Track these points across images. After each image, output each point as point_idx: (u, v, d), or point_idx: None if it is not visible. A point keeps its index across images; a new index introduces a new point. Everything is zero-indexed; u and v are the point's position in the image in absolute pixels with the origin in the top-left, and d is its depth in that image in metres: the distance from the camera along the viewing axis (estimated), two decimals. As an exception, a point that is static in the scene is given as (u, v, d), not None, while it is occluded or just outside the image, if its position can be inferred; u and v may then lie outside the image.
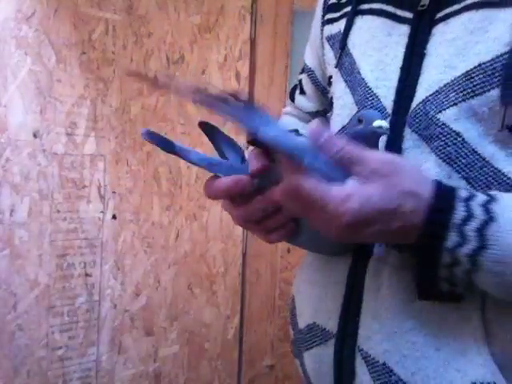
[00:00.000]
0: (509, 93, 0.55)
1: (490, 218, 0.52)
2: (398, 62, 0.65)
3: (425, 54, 0.63)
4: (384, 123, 0.57)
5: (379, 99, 0.65)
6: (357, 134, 0.59)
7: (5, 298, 1.45)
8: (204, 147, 1.79)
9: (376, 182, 0.51)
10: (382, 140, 0.63)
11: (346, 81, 0.72)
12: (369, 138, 0.58)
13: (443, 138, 0.59)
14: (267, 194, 0.58)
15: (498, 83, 0.56)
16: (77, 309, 1.58)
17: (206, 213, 1.82)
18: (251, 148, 0.66)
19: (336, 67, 0.74)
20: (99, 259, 1.61)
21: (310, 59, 0.88)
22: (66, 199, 1.54)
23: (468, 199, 0.53)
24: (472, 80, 0.58)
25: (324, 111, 0.86)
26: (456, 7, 0.61)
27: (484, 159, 0.57)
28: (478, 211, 0.52)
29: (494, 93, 0.57)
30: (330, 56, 0.78)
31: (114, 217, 1.63)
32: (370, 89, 0.67)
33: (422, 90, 0.62)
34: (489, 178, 0.57)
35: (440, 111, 0.60)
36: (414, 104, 0.62)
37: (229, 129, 0.65)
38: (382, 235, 0.53)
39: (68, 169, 1.54)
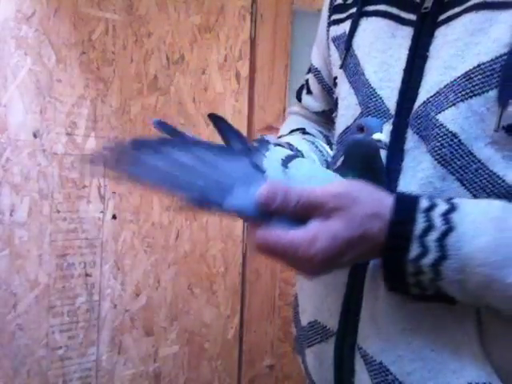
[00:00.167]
0: (506, 93, 0.55)
1: (449, 228, 0.52)
2: (402, 63, 0.65)
3: (427, 56, 0.63)
4: (383, 137, 0.58)
5: (383, 100, 0.66)
6: (357, 142, 0.60)
7: (5, 297, 1.45)
8: (204, 147, 1.79)
9: (337, 217, 0.52)
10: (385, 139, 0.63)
11: (350, 82, 0.73)
12: (369, 148, 0.59)
13: (439, 139, 0.59)
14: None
15: (496, 84, 0.57)
16: (77, 309, 1.58)
17: (206, 213, 1.82)
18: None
19: (341, 68, 0.75)
20: (99, 259, 1.61)
21: (316, 59, 0.88)
22: (66, 199, 1.54)
23: (428, 210, 0.54)
24: (471, 80, 0.58)
25: (330, 111, 0.86)
26: (458, 9, 0.62)
27: (480, 161, 0.57)
28: (438, 221, 0.53)
29: (493, 93, 0.57)
30: (336, 57, 0.78)
31: (114, 217, 1.63)
32: (373, 90, 0.67)
33: (424, 92, 0.62)
34: (483, 181, 0.57)
35: (439, 112, 0.60)
36: (415, 106, 0.62)
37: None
38: (355, 259, 0.56)
39: (68, 169, 1.54)
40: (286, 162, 0.61)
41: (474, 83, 0.58)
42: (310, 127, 0.90)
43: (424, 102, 0.62)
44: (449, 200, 0.55)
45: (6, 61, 1.43)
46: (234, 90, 1.85)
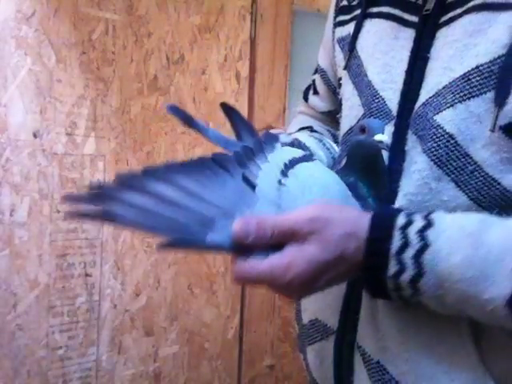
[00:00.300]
0: (502, 93, 0.56)
1: (425, 245, 0.53)
2: (404, 65, 0.66)
3: (428, 57, 0.63)
4: (385, 138, 0.58)
5: (385, 102, 0.66)
6: (359, 143, 0.61)
7: (5, 297, 1.45)
8: (204, 147, 1.79)
9: (312, 241, 0.53)
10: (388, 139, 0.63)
11: (353, 83, 0.73)
12: (370, 149, 0.59)
13: (436, 140, 0.59)
14: None
15: (494, 85, 0.57)
16: (77, 309, 1.58)
17: (206, 213, 1.82)
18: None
19: (345, 69, 0.76)
20: (99, 259, 1.61)
21: (322, 60, 0.89)
22: (66, 199, 1.54)
23: (405, 227, 0.54)
24: (469, 82, 0.58)
25: (336, 111, 0.87)
26: (459, 11, 0.62)
27: (476, 163, 0.57)
28: (414, 238, 0.53)
29: (491, 95, 0.57)
30: (340, 58, 0.79)
31: (114, 217, 1.63)
32: (376, 91, 0.68)
33: (424, 93, 0.62)
34: (478, 183, 0.57)
35: (437, 113, 0.60)
36: (416, 107, 0.63)
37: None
38: (334, 280, 0.56)
39: (68, 169, 1.54)
40: (287, 167, 0.60)
41: (472, 84, 0.58)
42: (318, 126, 0.90)
43: (423, 103, 0.62)
44: (426, 216, 0.55)
45: (6, 61, 1.43)
46: (233, 90, 1.85)
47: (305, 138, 0.81)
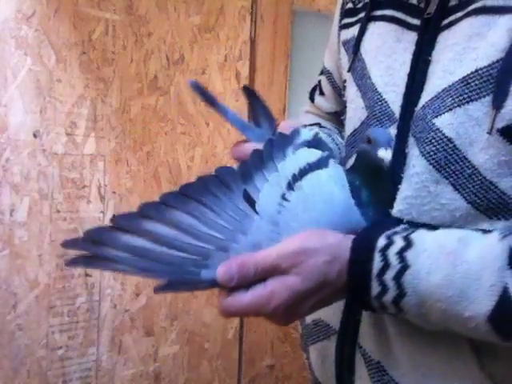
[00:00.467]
0: (500, 96, 0.56)
1: (405, 266, 0.54)
2: (406, 68, 0.66)
3: (430, 60, 0.63)
4: (387, 155, 0.59)
5: (388, 104, 0.66)
6: (364, 152, 0.62)
7: (5, 297, 1.45)
8: (203, 147, 1.79)
9: (293, 273, 0.55)
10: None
11: (357, 85, 0.73)
12: (373, 161, 0.60)
13: (435, 143, 0.59)
14: None
15: (493, 89, 0.57)
16: (77, 309, 1.58)
17: (206, 213, 1.81)
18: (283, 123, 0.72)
19: (349, 71, 0.76)
20: (99, 259, 1.60)
21: (328, 61, 0.89)
22: (66, 199, 1.54)
23: (385, 248, 0.55)
24: (468, 86, 0.58)
25: (342, 112, 0.87)
26: (459, 14, 0.62)
27: (473, 167, 0.58)
28: (394, 260, 0.54)
29: (489, 98, 0.57)
30: (345, 60, 0.79)
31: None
32: (379, 94, 0.68)
33: (425, 96, 0.62)
34: (476, 187, 0.57)
35: (436, 116, 0.60)
36: (416, 109, 0.63)
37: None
38: (320, 304, 0.58)
39: (68, 169, 1.54)
40: (296, 179, 0.61)
41: (471, 88, 0.58)
42: (325, 123, 0.91)
43: (423, 105, 0.62)
44: (406, 236, 0.56)
45: (6, 61, 1.43)
46: (233, 90, 1.85)
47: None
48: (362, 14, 0.76)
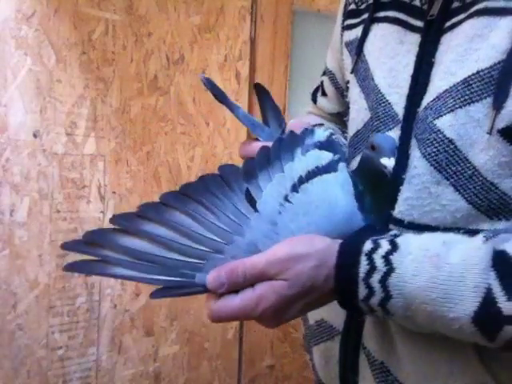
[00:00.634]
0: (500, 97, 0.56)
1: (390, 269, 0.54)
2: (409, 69, 0.66)
3: (433, 62, 0.63)
4: (390, 164, 0.59)
5: (391, 106, 0.66)
6: (367, 159, 0.63)
7: (5, 297, 1.45)
8: (203, 147, 1.79)
9: (281, 279, 0.56)
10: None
11: (360, 86, 0.73)
12: (376, 168, 0.60)
13: (436, 145, 0.60)
14: None
15: (494, 90, 0.57)
16: (77, 309, 1.58)
17: (206, 213, 1.81)
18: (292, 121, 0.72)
19: (352, 73, 0.76)
20: (99, 259, 1.60)
21: (330, 62, 0.89)
22: (66, 199, 1.54)
23: (371, 252, 0.56)
24: (470, 87, 0.58)
25: (345, 113, 0.87)
26: (462, 16, 0.62)
27: (474, 168, 0.58)
28: (380, 263, 0.55)
29: (491, 100, 0.57)
30: (348, 61, 0.79)
31: (113, 217, 1.63)
32: (382, 95, 0.68)
33: (427, 97, 0.63)
34: (477, 187, 0.58)
35: (437, 117, 0.60)
36: (419, 111, 0.63)
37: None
38: (308, 307, 0.59)
39: (68, 169, 1.54)
40: (301, 181, 0.60)
41: (472, 90, 0.58)
42: (328, 124, 0.91)
43: (425, 106, 0.62)
44: (392, 240, 0.56)
45: (6, 61, 1.43)
46: (233, 90, 1.85)
47: None
48: (365, 16, 0.76)
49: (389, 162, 0.59)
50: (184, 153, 1.76)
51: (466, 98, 0.58)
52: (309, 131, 0.68)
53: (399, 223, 0.62)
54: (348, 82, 0.79)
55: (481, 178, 0.57)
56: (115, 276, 0.56)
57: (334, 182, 0.62)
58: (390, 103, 0.67)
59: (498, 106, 0.56)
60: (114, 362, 1.67)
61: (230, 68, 1.84)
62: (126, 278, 0.56)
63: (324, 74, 0.91)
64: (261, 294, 0.55)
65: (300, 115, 1.01)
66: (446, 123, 0.59)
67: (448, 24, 0.63)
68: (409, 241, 0.56)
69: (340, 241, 0.58)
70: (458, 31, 0.62)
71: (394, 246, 0.56)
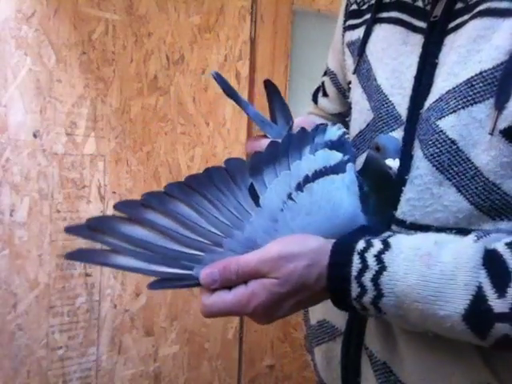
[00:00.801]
0: (502, 98, 0.56)
1: (382, 268, 0.55)
2: (413, 70, 0.66)
3: (436, 63, 0.63)
4: (395, 165, 0.59)
5: (394, 107, 0.67)
6: (372, 159, 0.63)
7: (5, 297, 1.45)
8: (203, 147, 1.79)
9: (273, 278, 0.56)
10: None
11: (363, 87, 0.73)
12: (381, 169, 0.61)
13: (438, 145, 0.60)
14: None
15: (496, 91, 0.57)
16: (77, 309, 1.58)
17: (205, 213, 1.81)
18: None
19: (354, 73, 0.76)
20: (99, 259, 1.60)
21: (332, 62, 0.89)
22: (66, 199, 1.54)
23: (364, 251, 0.56)
24: (473, 88, 0.58)
25: (346, 113, 0.87)
26: (466, 17, 0.62)
27: (476, 168, 0.58)
28: (372, 262, 0.55)
29: (493, 101, 0.57)
30: (350, 62, 0.79)
31: (113, 217, 1.63)
32: (385, 96, 0.68)
33: (430, 98, 0.63)
34: (479, 188, 0.58)
35: (440, 118, 0.60)
36: (422, 112, 0.63)
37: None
38: (299, 306, 0.59)
39: (68, 169, 1.54)
40: (307, 180, 0.60)
41: (475, 90, 0.58)
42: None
43: (427, 107, 0.62)
44: (385, 239, 0.57)
45: (6, 61, 1.43)
46: (233, 90, 1.85)
47: None
48: (367, 16, 0.76)
49: (394, 163, 0.59)
50: (184, 153, 1.76)
51: (469, 98, 0.58)
52: (320, 129, 0.68)
53: (401, 224, 0.62)
54: (350, 82, 0.79)
55: (483, 179, 0.57)
56: (115, 266, 0.57)
57: (340, 183, 0.62)
58: (392, 104, 0.67)
59: (499, 107, 0.56)
60: (114, 362, 1.67)
61: (230, 68, 1.84)
62: (126, 268, 0.56)
63: (325, 74, 0.91)
64: (253, 291, 0.56)
65: (300, 115, 1.00)
66: (449, 124, 0.59)
67: (451, 25, 0.63)
68: (401, 240, 0.56)
69: (333, 240, 0.58)
70: (461, 32, 0.62)
71: (386, 246, 0.56)
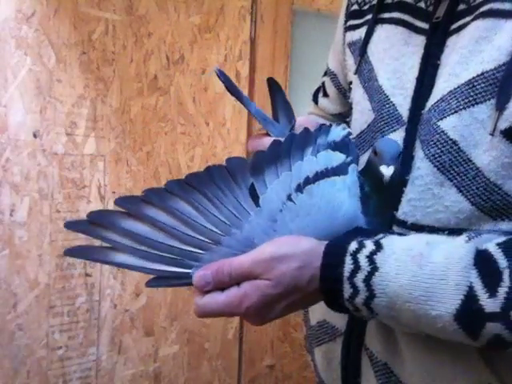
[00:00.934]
0: (503, 98, 0.56)
1: (374, 268, 0.55)
2: (415, 71, 0.66)
3: (438, 64, 0.64)
4: (388, 172, 0.59)
5: (395, 107, 0.67)
6: (370, 164, 0.63)
7: (5, 297, 1.45)
8: (203, 147, 1.79)
9: (265, 279, 0.57)
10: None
11: (364, 87, 0.73)
12: (377, 175, 0.60)
13: (439, 146, 0.60)
14: None
15: (497, 92, 0.57)
16: (77, 309, 1.58)
17: (205, 213, 1.81)
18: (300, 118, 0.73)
19: (355, 74, 0.76)
20: (99, 259, 1.60)
21: (332, 63, 0.89)
22: (66, 199, 1.54)
23: (356, 252, 0.56)
24: (474, 89, 0.58)
25: (346, 113, 0.87)
26: (468, 19, 0.62)
27: (477, 168, 0.58)
28: (364, 262, 0.55)
29: (494, 101, 0.57)
30: (351, 62, 0.79)
31: (113, 217, 1.63)
32: (386, 96, 0.68)
33: (432, 99, 0.63)
34: (480, 188, 0.58)
35: (441, 118, 0.60)
36: (423, 113, 0.63)
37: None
38: (292, 307, 0.59)
39: (68, 169, 1.54)
40: (307, 182, 0.60)
41: (476, 91, 0.58)
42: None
43: (429, 108, 0.62)
44: (377, 241, 0.57)
45: (6, 61, 1.43)
46: (234, 90, 1.85)
47: None
48: (368, 16, 0.76)
49: (387, 171, 0.59)
50: (184, 153, 1.76)
51: (470, 99, 0.58)
52: (324, 129, 0.67)
53: (402, 224, 0.62)
54: (351, 82, 0.79)
55: (484, 179, 0.57)
56: (114, 263, 0.57)
57: (341, 185, 0.62)
58: (394, 104, 0.67)
59: (500, 107, 0.56)
60: (114, 362, 1.67)
61: (230, 68, 1.84)
62: (125, 266, 0.57)
63: (325, 74, 0.91)
64: (245, 292, 0.56)
65: (301, 116, 1.00)
66: (450, 124, 0.59)
67: (454, 26, 0.64)
68: (393, 241, 0.57)
69: (326, 242, 0.59)
70: (463, 33, 0.62)
71: (379, 247, 0.56)
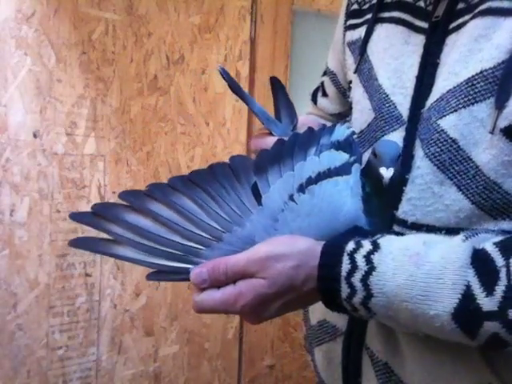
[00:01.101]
0: (503, 97, 0.56)
1: (371, 268, 0.55)
2: (414, 70, 0.66)
3: (438, 63, 0.64)
4: (387, 174, 0.59)
5: (395, 106, 0.67)
6: (370, 165, 0.63)
7: (5, 298, 1.45)
8: (203, 147, 1.79)
9: (261, 278, 0.57)
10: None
11: (364, 86, 0.73)
12: (376, 176, 0.60)
13: (439, 145, 0.60)
14: None
15: (496, 90, 0.57)
16: (77, 309, 1.58)
17: (206, 213, 1.81)
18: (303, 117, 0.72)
19: (355, 73, 0.76)
20: (99, 259, 1.61)
21: (332, 62, 0.89)
22: (66, 199, 1.54)
23: (353, 252, 0.56)
24: (473, 87, 0.58)
25: (346, 113, 0.87)
26: (467, 17, 0.62)
27: (477, 167, 0.58)
28: (361, 262, 0.55)
29: (494, 100, 0.57)
30: (350, 62, 0.79)
31: (113, 217, 1.63)
32: (386, 96, 0.68)
33: (431, 98, 0.63)
34: (480, 187, 0.58)
35: (441, 117, 0.60)
36: (423, 111, 0.63)
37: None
38: (288, 307, 0.59)
39: (68, 169, 1.54)
40: (309, 182, 0.60)
41: (476, 90, 0.58)
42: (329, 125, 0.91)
43: (428, 107, 0.62)
44: (374, 240, 0.57)
45: (6, 61, 1.43)
46: (234, 90, 1.85)
47: None
48: (368, 16, 0.76)
49: (386, 173, 0.59)
50: (184, 153, 1.76)
51: (470, 97, 0.58)
52: (327, 129, 0.67)
53: (403, 224, 0.62)
54: (350, 82, 0.79)
55: (484, 178, 0.57)
56: (116, 256, 0.58)
57: (343, 185, 0.62)
58: (394, 104, 0.67)
59: (500, 106, 0.56)
60: (114, 362, 1.67)
61: (230, 68, 1.84)
62: (126, 259, 0.57)
63: (325, 74, 0.91)
64: (240, 290, 0.56)
65: (300, 116, 1.00)
66: (450, 123, 0.59)
67: (453, 25, 0.64)
68: (391, 241, 0.57)
69: (323, 242, 0.59)
70: (462, 32, 0.62)
71: (376, 246, 0.56)
